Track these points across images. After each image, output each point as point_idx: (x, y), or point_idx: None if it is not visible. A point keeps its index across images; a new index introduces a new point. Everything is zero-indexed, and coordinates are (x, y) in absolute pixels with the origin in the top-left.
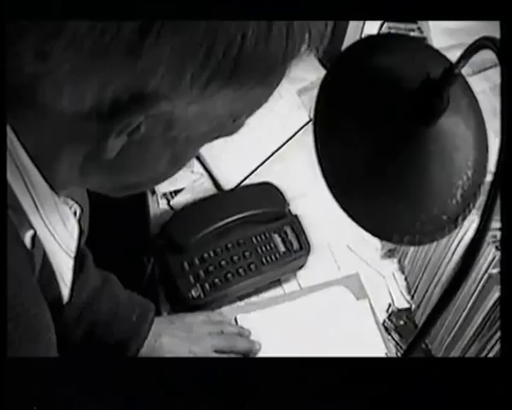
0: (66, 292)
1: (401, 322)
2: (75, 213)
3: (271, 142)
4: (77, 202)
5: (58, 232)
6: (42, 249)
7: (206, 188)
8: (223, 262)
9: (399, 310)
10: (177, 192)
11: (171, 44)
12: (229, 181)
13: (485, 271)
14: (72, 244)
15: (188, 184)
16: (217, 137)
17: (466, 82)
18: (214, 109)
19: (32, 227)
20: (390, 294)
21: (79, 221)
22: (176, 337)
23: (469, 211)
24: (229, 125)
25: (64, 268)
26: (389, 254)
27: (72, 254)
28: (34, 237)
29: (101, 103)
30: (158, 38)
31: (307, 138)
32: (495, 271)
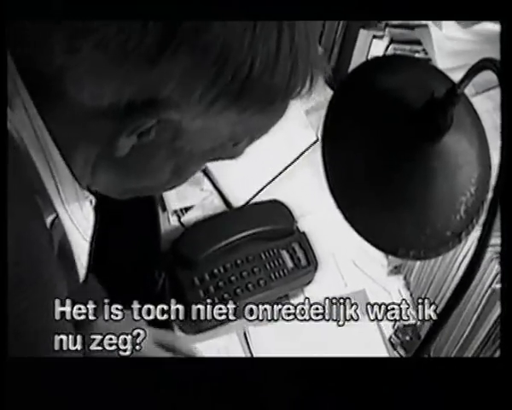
0: (82, 272)
1: (407, 338)
2: (91, 202)
3: (280, 160)
4: (91, 193)
5: (76, 216)
6: (61, 231)
7: (216, 205)
8: (232, 278)
9: (405, 326)
10: (187, 209)
11: (186, 62)
12: (238, 199)
13: (489, 286)
14: (87, 228)
15: (198, 202)
16: (217, 159)
17: (469, 102)
18: (217, 128)
19: (54, 211)
20: None
21: (95, 208)
22: None
23: (473, 227)
24: (229, 149)
25: (79, 250)
26: (395, 270)
27: (88, 238)
28: (54, 220)
29: (119, 102)
30: (174, 54)
31: (315, 157)
32: (498, 286)
